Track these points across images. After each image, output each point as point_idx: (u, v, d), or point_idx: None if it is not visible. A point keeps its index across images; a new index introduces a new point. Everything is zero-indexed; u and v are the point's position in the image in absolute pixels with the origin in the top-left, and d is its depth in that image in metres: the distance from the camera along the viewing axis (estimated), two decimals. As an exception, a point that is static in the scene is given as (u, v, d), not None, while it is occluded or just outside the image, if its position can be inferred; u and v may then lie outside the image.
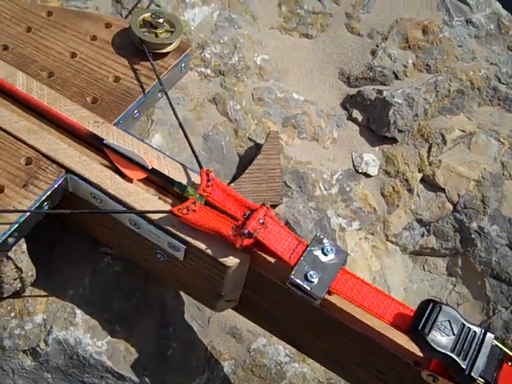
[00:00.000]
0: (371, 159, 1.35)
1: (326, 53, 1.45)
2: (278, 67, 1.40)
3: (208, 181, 0.91)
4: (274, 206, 1.21)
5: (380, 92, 1.36)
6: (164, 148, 1.20)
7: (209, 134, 1.25)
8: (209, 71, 1.33)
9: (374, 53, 1.43)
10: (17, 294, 1.02)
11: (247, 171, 1.20)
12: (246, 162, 1.25)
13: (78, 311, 1.03)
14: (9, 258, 0.94)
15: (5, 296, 1.00)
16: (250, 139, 1.28)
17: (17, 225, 0.87)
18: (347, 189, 1.30)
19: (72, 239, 1.09)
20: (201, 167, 0.94)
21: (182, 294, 1.15)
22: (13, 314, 1.02)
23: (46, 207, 0.92)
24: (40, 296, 1.04)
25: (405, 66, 1.42)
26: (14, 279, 0.98)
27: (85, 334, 1.02)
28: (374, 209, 1.31)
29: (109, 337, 1.03)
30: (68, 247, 1.09)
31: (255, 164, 1.20)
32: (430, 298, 0.87)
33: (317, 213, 1.24)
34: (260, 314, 1.01)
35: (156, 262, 0.96)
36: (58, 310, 1.03)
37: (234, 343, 1.14)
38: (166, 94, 1.03)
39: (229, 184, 1.20)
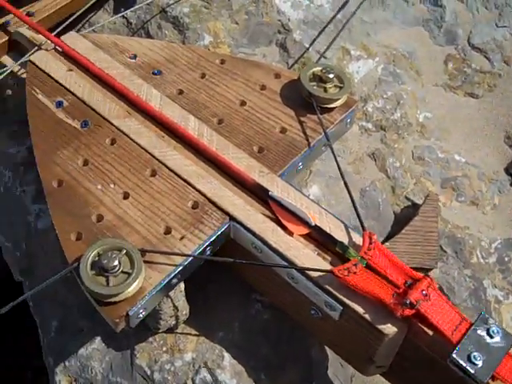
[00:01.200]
0: (534, 230, 1.27)
1: (492, 114, 1.39)
2: (440, 126, 1.36)
3: (370, 243, 0.89)
4: (427, 270, 1.17)
5: (550, 160, 1.29)
6: (321, 199, 1.20)
7: (366, 189, 1.24)
8: (370, 125, 1.31)
9: (545, 118, 1.36)
10: (170, 330, 1.05)
11: (403, 231, 1.16)
12: (401, 221, 1.22)
13: (226, 354, 1.04)
14: (168, 296, 0.97)
15: (160, 331, 1.03)
16: (408, 198, 1.25)
17: (181, 267, 0.89)
18: (506, 259, 1.23)
19: (225, 281, 1.11)
20: (364, 229, 0.92)
21: (326, 348, 1.13)
22: (164, 349, 1.05)
23: (209, 251, 0.94)
24: (191, 334, 1.06)
25: None
26: (170, 316, 1.00)
27: (231, 378, 1.03)
28: (535, 284, 1.23)
29: (253, 384, 1.03)
30: (220, 288, 1.11)
31: (412, 225, 1.16)
32: None
33: (472, 281, 1.18)
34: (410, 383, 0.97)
35: (308, 316, 0.94)
36: (207, 351, 1.04)
37: (374, 407, 1.10)
38: (332, 149, 1.03)
39: (383, 242, 1.17)
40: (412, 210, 1.23)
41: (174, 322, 1.02)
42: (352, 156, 1.28)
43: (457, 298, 1.16)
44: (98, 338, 1.06)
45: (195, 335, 1.05)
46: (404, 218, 1.22)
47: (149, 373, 1.03)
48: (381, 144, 1.30)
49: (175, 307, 0.99)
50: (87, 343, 1.06)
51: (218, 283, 1.10)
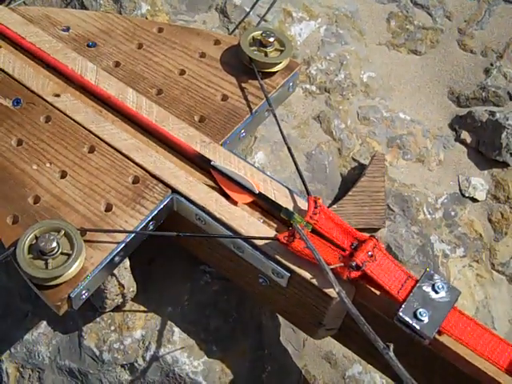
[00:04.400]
0: (479, 183, 1.28)
1: (435, 70, 1.39)
2: (384, 85, 1.35)
3: (315, 207, 0.89)
4: (376, 230, 1.18)
5: (492, 113, 1.29)
6: (266, 166, 1.19)
7: (312, 152, 1.23)
8: (314, 88, 1.30)
9: (487, 71, 1.37)
10: (117, 309, 1.04)
11: (350, 193, 1.16)
12: (348, 182, 1.22)
13: (176, 329, 1.03)
14: (113, 274, 0.95)
15: (107, 311, 1.02)
16: (354, 159, 1.24)
17: (123, 244, 0.88)
18: (452, 213, 1.25)
19: (170, 254, 1.09)
20: (308, 193, 0.91)
21: (278, 315, 1.14)
22: (113, 328, 1.03)
23: (152, 226, 0.92)
24: (139, 311, 1.05)
25: (520, 87, 1.35)
26: (116, 295, 0.99)
27: (182, 352, 1.02)
28: (480, 235, 1.25)
29: (205, 357, 1.02)
30: (167, 262, 1.10)
31: (359, 186, 1.17)
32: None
33: (420, 238, 1.20)
34: (360, 344, 0.97)
35: (257, 285, 0.94)
36: (156, 327, 1.03)
37: (329, 368, 1.11)
38: (275, 115, 1.01)
39: (331, 205, 1.17)
40: (359, 171, 1.23)
41: (121, 300, 1.00)
42: (296, 120, 1.26)
43: (405, 255, 1.17)
44: (44, 322, 1.04)
45: (144, 312, 1.04)
46: (351, 180, 1.22)
47: (98, 353, 1.01)
48: (325, 106, 1.29)
49: (121, 285, 0.97)
50: (32, 328, 1.04)
51: (164, 257, 1.09)
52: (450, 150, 1.32)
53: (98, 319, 1.04)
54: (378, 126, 1.29)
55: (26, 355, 1.03)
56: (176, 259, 1.09)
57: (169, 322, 1.04)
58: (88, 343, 1.02)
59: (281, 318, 1.10)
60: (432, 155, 1.29)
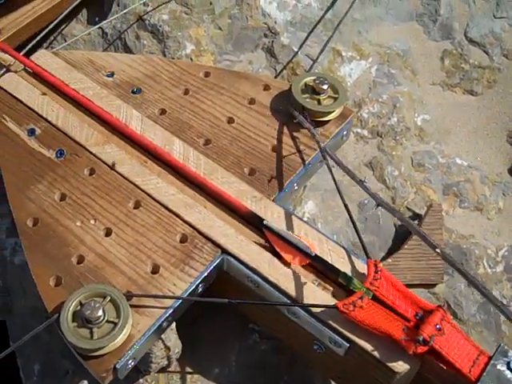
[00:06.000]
0: (542, 233, 1.21)
1: (492, 112, 1.32)
2: (439, 128, 1.29)
3: (376, 272, 0.83)
4: (433, 286, 1.11)
5: (555, 165, 1.22)
6: (317, 216, 1.13)
7: (364, 202, 1.16)
8: (365, 132, 1.24)
9: (548, 114, 1.29)
10: (162, 370, 0.98)
11: (406, 246, 1.10)
12: (403, 234, 1.15)
13: (224, 392, 0.98)
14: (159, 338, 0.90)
15: (151, 373, 0.96)
16: (409, 209, 1.18)
17: (172, 310, 0.83)
18: (514, 267, 1.17)
19: (217, 311, 1.04)
20: (368, 256, 0.85)
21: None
22: (157, 391, 0.98)
23: (201, 289, 0.87)
24: (184, 373, 0.99)
25: None
26: (162, 358, 0.94)
27: (229, 418, 0.96)
28: (545, 291, 1.17)
29: (254, 423, 0.97)
30: (212, 320, 1.04)
31: (415, 238, 1.10)
32: None
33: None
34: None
35: (312, 351, 0.88)
36: (202, 390, 0.98)
37: (384, 435, 1.04)
38: (330, 168, 0.95)
39: (384, 258, 1.11)
40: (414, 221, 1.16)
41: (166, 363, 0.95)
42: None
43: (465, 313, 1.10)
44: (85, 382, 0.99)
45: (189, 373, 0.99)
46: (406, 231, 1.15)
47: (140, 417, 0.96)
48: (378, 152, 1.23)
49: (167, 347, 0.92)
50: (73, 387, 0.99)
51: (211, 314, 1.03)
52: (510, 197, 1.24)
53: (141, 380, 0.98)
54: (433, 172, 1.22)
55: (65, 415, 0.99)
56: (223, 317, 1.04)
57: (216, 385, 0.98)
58: (131, 405, 0.97)
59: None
60: (491, 203, 1.22)
